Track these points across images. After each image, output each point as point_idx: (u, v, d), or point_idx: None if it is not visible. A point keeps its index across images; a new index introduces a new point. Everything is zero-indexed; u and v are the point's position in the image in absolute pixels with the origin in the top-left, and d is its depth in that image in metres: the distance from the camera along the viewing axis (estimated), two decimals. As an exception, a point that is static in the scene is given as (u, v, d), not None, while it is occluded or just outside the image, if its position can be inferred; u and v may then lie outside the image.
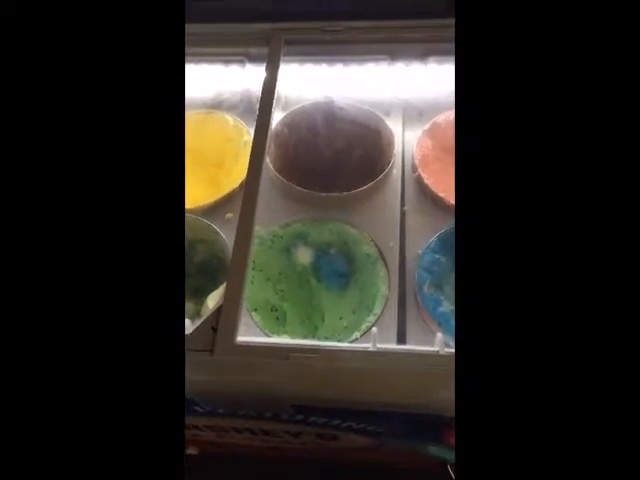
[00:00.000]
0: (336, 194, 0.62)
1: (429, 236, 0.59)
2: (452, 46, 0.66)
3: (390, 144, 0.66)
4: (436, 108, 0.68)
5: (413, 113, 0.69)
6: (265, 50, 0.63)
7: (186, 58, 0.66)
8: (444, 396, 0.43)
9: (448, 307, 0.55)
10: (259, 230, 0.59)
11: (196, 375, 0.45)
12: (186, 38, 0.62)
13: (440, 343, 0.45)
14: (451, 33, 0.62)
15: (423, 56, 0.65)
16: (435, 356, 0.44)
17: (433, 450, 0.55)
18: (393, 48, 0.65)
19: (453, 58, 0.66)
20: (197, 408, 0.50)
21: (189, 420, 0.57)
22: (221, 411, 0.51)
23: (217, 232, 0.62)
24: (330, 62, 0.66)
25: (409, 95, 0.69)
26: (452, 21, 0.62)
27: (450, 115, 0.68)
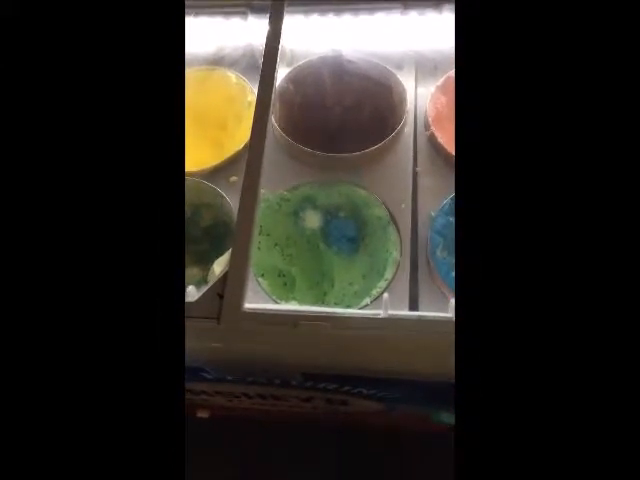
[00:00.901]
0: (345, 155, 0.59)
1: (442, 198, 0.56)
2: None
3: (402, 100, 0.63)
4: (451, 61, 0.63)
5: (427, 66, 0.65)
6: (268, 1, 0.59)
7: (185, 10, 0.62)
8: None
9: (462, 272, 0.53)
10: (265, 193, 0.57)
11: (203, 343, 0.44)
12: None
13: (453, 309, 0.43)
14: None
15: (438, 4, 0.60)
16: (448, 322, 0.43)
17: (445, 417, 0.55)
18: (406, -5, 0.61)
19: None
20: (205, 375, 0.49)
21: (198, 386, 0.56)
22: (229, 378, 0.50)
23: (222, 196, 0.60)
24: (338, 12, 0.62)
25: (423, 47, 0.65)
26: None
27: (466, 68, 0.64)
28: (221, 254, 0.53)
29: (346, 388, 0.50)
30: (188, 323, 0.43)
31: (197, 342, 0.44)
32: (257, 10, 0.62)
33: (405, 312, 0.50)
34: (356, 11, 0.61)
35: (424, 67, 0.65)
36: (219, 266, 0.52)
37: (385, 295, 0.48)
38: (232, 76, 0.67)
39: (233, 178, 0.61)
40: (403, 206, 0.57)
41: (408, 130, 0.62)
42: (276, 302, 0.53)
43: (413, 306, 0.52)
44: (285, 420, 0.72)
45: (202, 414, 0.72)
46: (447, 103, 0.63)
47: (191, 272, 0.58)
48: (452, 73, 0.64)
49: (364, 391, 0.51)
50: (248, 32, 0.64)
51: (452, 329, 0.41)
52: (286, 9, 0.59)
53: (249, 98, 0.65)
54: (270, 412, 0.67)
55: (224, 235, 0.61)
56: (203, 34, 0.65)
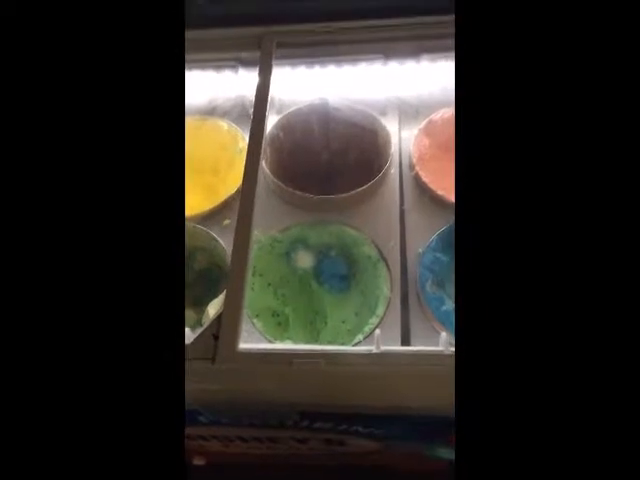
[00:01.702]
0: (334, 196, 0.61)
1: (429, 235, 0.58)
2: (445, 42, 0.65)
3: (387, 143, 0.66)
4: (431, 105, 0.67)
5: (409, 111, 0.69)
6: (257, 54, 0.63)
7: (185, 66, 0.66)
8: (451, 396, 0.42)
9: (451, 305, 0.54)
10: (258, 235, 0.59)
11: (198, 384, 0.44)
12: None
13: (444, 342, 0.44)
14: (443, 30, 0.62)
15: (416, 54, 0.64)
16: (440, 356, 0.44)
17: (441, 452, 0.54)
18: (386, 47, 0.64)
19: (446, 55, 0.66)
20: (201, 418, 0.49)
21: (194, 430, 0.56)
22: (226, 420, 0.50)
23: (216, 239, 0.61)
24: (322, 63, 0.65)
25: (404, 93, 0.69)
26: (444, 18, 0.62)
27: (446, 112, 0.67)
28: (215, 297, 0.54)
29: (342, 427, 0.50)
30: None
31: (193, 384, 0.44)
32: (247, 63, 0.65)
33: (397, 347, 0.51)
34: (340, 62, 0.65)
35: (406, 112, 0.69)
36: (213, 308, 0.53)
37: (377, 331, 0.49)
38: (224, 125, 0.70)
39: (226, 222, 0.63)
40: (392, 244, 0.59)
41: (394, 171, 0.65)
42: (271, 342, 0.54)
43: (405, 341, 0.53)
44: (282, 464, 0.71)
45: (198, 461, 0.70)
46: (430, 145, 0.66)
47: (186, 315, 0.59)
48: (434, 116, 0.67)
49: (360, 429, 0.51)
50: (239, 84, 0.67)
51: (444, 362, 0.43)
52: (274, 62, 0.62)
53: (240, 145, 0.68)
54: (267, 456, 0.66)
55: (218, 278, 0.62)
56: (196, 87, 0.68)
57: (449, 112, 0.67)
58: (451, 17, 0.62)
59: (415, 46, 0.64)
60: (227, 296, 0.47)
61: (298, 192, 0.62)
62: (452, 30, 0.63)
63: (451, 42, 0.64)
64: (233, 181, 0.64)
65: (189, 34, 0.62)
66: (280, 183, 0.63)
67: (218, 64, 0.66)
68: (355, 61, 0.65)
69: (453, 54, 0.65)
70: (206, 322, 0.49)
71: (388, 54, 0.65)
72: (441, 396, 0.42)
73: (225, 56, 0.65)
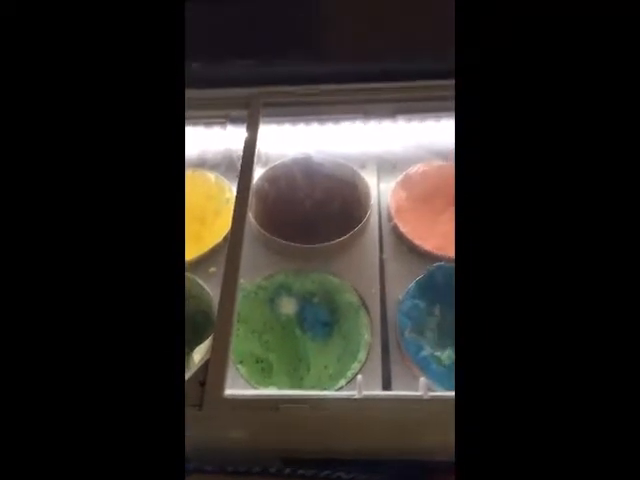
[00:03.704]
0: (317, 245, 0.64)
1: (408, 282, 0.61)
2: (419, 105, 0.71)
3: (366, 195, 0.70)
4: (407, 161, 0.72)
5: (386, 166, 0.73)
6: (245, 113, 0.67)
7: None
8: (430, 440, 0.44)
9: (429, 351, 0.56)
10: (243, 283, 0.61)
11: (185, 431, 0.45)
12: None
13: (424, 387, 0.46)
14: (418, 93, 0.68)
15: (393, 114, 0.70)
16: (420, 400, 0.46)
17: (423, 497, 0.55)
18: (365, 108, 0.70)
19: (420, 116, 0.71)
20: (185, 465, 0.49)
21: None
22: (209, 468, 0.50)
23: (202, 286, 0.63)
24: (307, 121, 0.70)
25: (382, 150, 0.74)
26: (419, 83, 0.68)
27: (420, 167, 0.72)
28: (200, 342, 0.55)
29: (325, 473, 0.51)
30: (170, 412, 0.44)
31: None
32: (235, 120, 0.69)
33: (379, 392, 0.52)
34: (323, 121, 0.70)
35: (384, 167, 0.74)
36: (198, 354, 0.54)
37: (359, 377, 0.51)
38: (212, 176, 0.74)
39: (212, 269, 0.65)
40: (373, 291, 0.62)
41: (373, 222, 0.68)
42: (255, 388, 0.55)
43: (386, 385, 0.54)
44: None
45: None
46: (407, 197, 0.70)
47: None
48: (410, 170, 0.72)
49: (343, 475, 0.51)
50: (227, 139, 0.71)
51: (424, 407, 0.45)
52: (261, 119, 0.67)
53: (227, 195, 0.71)
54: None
55: (203, 324, 0.63)
56: (187, 141, 0.71)
57: (424, 167, 0.72)
58: (426, 82, 0.68)
59: (392, 107, 0.70)
60: (214, 343, 0.49)
61: (282, 241, 0.64)
62: (426, 93, 0.68)
63: (424, 104, 0.70)
64: (219, 230, 0.67)
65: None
66: (265, 232, 0.66)
67: (208, 121, 0.70)
68: (337, 120, 0.70)
69: (427, 115, 0.71)
70: (191, 367, 0.50)
71: (367, 114, 0.70)
72: (421, 440, 0.44)
73: (215, 114, 0.69)
